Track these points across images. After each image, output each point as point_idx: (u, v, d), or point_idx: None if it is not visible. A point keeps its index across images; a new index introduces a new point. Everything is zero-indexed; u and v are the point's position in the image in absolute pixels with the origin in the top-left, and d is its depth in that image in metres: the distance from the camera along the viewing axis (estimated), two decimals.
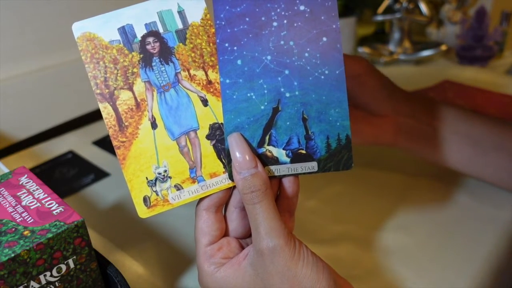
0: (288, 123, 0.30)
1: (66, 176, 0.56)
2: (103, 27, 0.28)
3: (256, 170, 0.28)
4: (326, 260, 0.29)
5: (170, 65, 0.29)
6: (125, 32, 0.29)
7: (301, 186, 0.32)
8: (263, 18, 0.29)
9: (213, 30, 0.29)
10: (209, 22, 0.29)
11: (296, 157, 0.30)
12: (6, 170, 0.38)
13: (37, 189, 0.30)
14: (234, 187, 0.30)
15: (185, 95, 0.30)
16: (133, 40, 0.29)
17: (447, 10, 0.87)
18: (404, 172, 0.53)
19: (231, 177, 0.30)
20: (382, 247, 0.43)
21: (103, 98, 0.29)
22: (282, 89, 0.29)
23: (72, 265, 0.28)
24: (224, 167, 0.30)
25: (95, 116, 0.69)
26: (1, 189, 0.30)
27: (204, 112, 0.30)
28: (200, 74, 0.30)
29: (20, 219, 0.28)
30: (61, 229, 0.27)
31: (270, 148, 0.30)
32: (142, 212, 0.30)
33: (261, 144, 0.30)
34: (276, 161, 0.30)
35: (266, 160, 0.30)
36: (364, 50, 0.85)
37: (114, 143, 0.29)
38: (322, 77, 0.29)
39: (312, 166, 0.30)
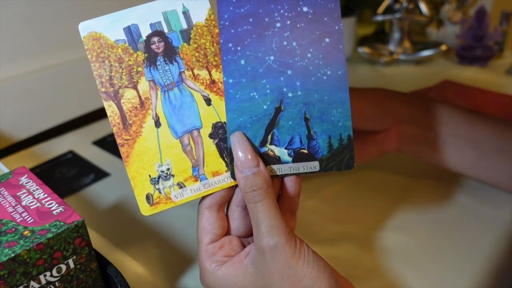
0: (290, 122, 0.30)
1: (66, 176, 0.56)
2: (109, 27, 0.29)
3: (258, 169, 0.28)
4: (326, 260, 0.29)
5: (174, 64, 0.30)
6: (131, 31, 0.29)
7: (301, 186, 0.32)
8: (266, 19, 0.29)
9: (217, 30, 0.30)
10: (213, 22, 0.30)
11: (298, 157, 0.30)
12: (6, 170, 0.37)
13: (37, 189, 0.30)
14: (236, 185, 0.31)
15: (188, 94, 0.30)
16: (138, 39, 0.29)
17: (447, 10, 0.87)
18: (404, 173, 0.53)
19: (233, 175, 0.30)
20: (382, 247, 0.43)
21: (108, 96, 0.29)
22: (284, 89, 0.30)
23: (72, 265, 0.28)
24: (227, 165, 0.30)
25: (95, 116, 0.69)
26: (1, 189, 0.30)
27: (207, 111, 0.30)
28: (203, 73, 0.30)
29: (20, 219, 0.28)
30: (61, 229, 0.27)
31: (272, 147, 0.30)
32: (145, 209, 0.30)
33: (263, 143, 0.30)
34: (278, 160, 0.30)
35: (268, 159, 0.30)
36: (364, 50, 0.85)
37: (118, 141, 0.29)
38: (325, 77, 0.30)
39: (314, 165, 0.30)
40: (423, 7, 0.83)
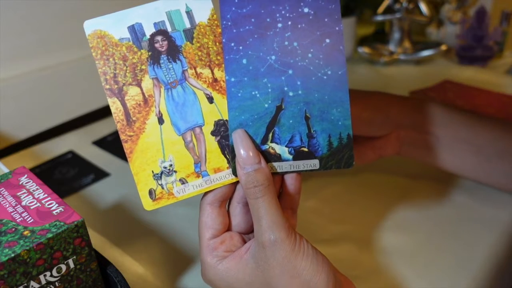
0: (291, 121, 0.30)
1: (66, 176, 0.56)
2: (113, 25, 0.29)
3: (260, 166, 0.29)
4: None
5: (177, 63, 0.30)
6: (135, 30, 0.30)
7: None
8: (268, 19, 0.30)
9: (220, 30, 0.30)
10: (215, 22, 0.30)
11: (298, 155, 0.30)
12: (6, 170, 0.37)
13: (37, 189, 0.30)
14: (238, 182, 0.31)
15: (191, 92, 0.30)
16: (142, 38, 0.30)
17: (447, 10, 0.87)
18: (404, 173, 0.53)
19: (234, 172, 0.30)
20: (382, 247, 0.43)
21: (112, 93, 0.30)
22: (285, 88, 0.30)
23: (72, 265, 0.28)
24: (228, 162, 0.31)
25: (95, 116, 0.69)
26: (1, 189, 0.30)
27: (210, 109, 0.31)
28: (206, 72, 0.30)
29: (20, 219, 0.28)
30: (61, 229, 0.27)
31: (273, 145, 0.30)
32: (148, 204, 0.30)
33: (264, 141, 0.30)
34: (278, 158, 0.30)
35: (269, 157, 0.30)
36: (364, 50, 0.85)
37: (122, 137, 0.30)
38: (325, 77, 0.30)
39: (314, 164, 0.31)
40: (423, 7, 0.83)
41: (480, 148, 0.44)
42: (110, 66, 0.30)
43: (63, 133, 0.66)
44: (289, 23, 0.30)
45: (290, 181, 0.31)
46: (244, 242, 0.32)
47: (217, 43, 0.30)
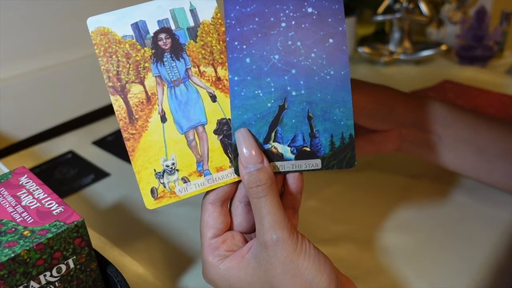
0: (293, 120, 0.30)
1: (66, 176, 0.56)
2: (117, 23, 0.29)
3: (262, 165, 0.29)
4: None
5: (181, 61, 0.30)
6: (138, 28, 0.30)
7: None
8: (272, 19, 0.30)
9: (223, 28, 0.30)
10: (219, 21, 0.30)
11: (300, 154, 0.30)
12: (6, 170, 0.37)
13: (37, 189, 0.30)
14: (240, 181, 0.31)
15: (194, 90, 0.30)
16: (145, 35, 0.30)
17: (447, 10, 0.87)
18: (404, 172, 0.53)
19: (237, 171, 0.30)
20: (382, 247, 0.43)
21: (115, 91, 0.30)
22: (288, 88, 0.30)
23: (72, 265, 0.28)
24: (230, 161, 0.31)
25: (95, 116, 0.69)
26: (1, 189, 0.30)
27: (213, 107, 0.30)
28: (209, 70, 0.30)
29: (20, 219, 0.28)
30: (61, 229, 0.27)
31: (276, 144, 0.30)
32: (149, 203, 0.30)
33: (267, 140, 0.30)
34: (281, 157, 0.30)
35: (271, 156, 0.30)
36: (364, 50, 0.85)
37: (124, 135, 0.30)
38: (328, 77, 0.30)
39: (316, 163, 0.31)
40: (423, 7, 0.83)
41: (481, 148, 0.44)
42: (113, 64, 0.29)
43: (63, 133, 0.65)
44: (293, 22, 0.30)
45: (292, 181, 0.31)
46: (246, 241, 0.32)
47: (221, 42, 0.30)
